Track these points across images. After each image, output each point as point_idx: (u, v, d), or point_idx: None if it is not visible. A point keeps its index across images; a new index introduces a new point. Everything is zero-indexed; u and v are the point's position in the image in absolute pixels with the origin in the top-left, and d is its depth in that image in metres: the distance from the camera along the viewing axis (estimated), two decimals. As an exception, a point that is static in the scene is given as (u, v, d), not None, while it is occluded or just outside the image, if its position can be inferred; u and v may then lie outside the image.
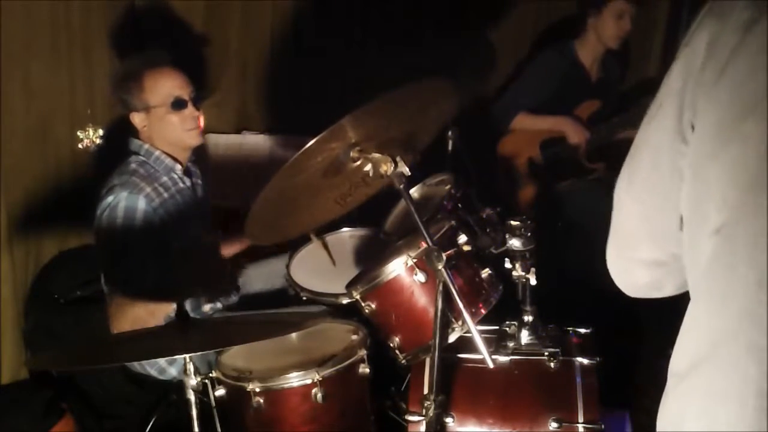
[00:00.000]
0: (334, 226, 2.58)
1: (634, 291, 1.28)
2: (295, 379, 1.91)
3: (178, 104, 2.36)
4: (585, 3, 3.50)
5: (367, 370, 2.01)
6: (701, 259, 1.04)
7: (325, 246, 2.55)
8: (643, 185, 1.15)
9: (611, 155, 3.46)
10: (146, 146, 2.40)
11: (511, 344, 1.98)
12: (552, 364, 1.92)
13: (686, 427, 1.08)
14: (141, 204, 2.26)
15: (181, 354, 1.68)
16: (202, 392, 1.81)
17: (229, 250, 2.60)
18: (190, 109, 2.38)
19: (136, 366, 2.41)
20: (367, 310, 1.96)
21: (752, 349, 0.99)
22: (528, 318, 1.99)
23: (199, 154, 2.64)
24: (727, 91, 1.00)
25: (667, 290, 1.20)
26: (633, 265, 1.23)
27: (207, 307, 2.50)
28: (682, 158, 1.06)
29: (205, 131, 2.49)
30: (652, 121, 1.11)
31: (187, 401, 1.77)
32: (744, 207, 0.98)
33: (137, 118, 2.38)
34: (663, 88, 1.09)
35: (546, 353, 1.94)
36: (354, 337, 2.07)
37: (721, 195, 1.00)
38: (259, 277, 2.79)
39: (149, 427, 2.31)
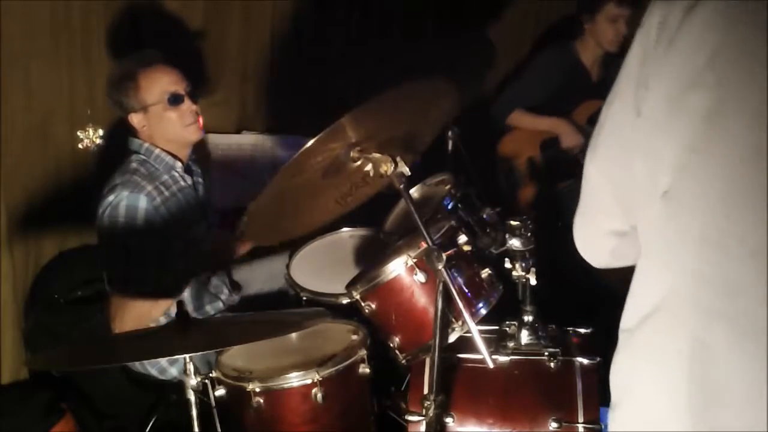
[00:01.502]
0: (335, 226, 2.58)
1: (597, 261, 1.34)
2: (295, 379, 1.91)
3: (174, 100, 2.36)
4: (579, 8, 3.50)
5: (367, 370, 2.01)
6: (652, 221, 1.11)
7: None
8: (605, 159, 1.22)
9: None
10: (146, 145, 2.40)
11: (511, 344, 1.98)
12: (552, 364, 1.92)
13: (635, 380, 1.13)
14: (142, 203, 2.27)
15: (181, 354, 1.68)
16: (202, 392, 1.81)
17: (241, 249, 2.61)
18: (187, 103, 2.39)
19: (137, 366, 2.41)
20: (367, 310, 1.96)
21: (695, 304, 1.05)
22: (528, 318, 1.99)
23: (200, 153, 2.64)
24: (674, 65, 1.09)
25: (628, 260, 1.23)
26: (596, 235, 1.30)
27: (209, 308, 2.51)
28: (638, 132, 1.13)
29: (205, 131, 2.49)
30: (615, 99, 1.19)
31: (187, 401, 1.77)
32: (688, 170, 1.06)
33: (135, 119, 2.38)
34: (622, 68, 1.17)
35: (546, 353, 1.94)
36: (354, 337, 2.07)
37: (668, 161, 1.08)
38: (259, 277, 2.79)
39: (149, 427, 2.31)
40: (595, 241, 1.31)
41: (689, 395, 1.06)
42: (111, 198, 2.26)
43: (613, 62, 3.61)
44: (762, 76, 1.02)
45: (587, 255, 1.34)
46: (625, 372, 1.17)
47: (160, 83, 2.35)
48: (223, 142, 3.39)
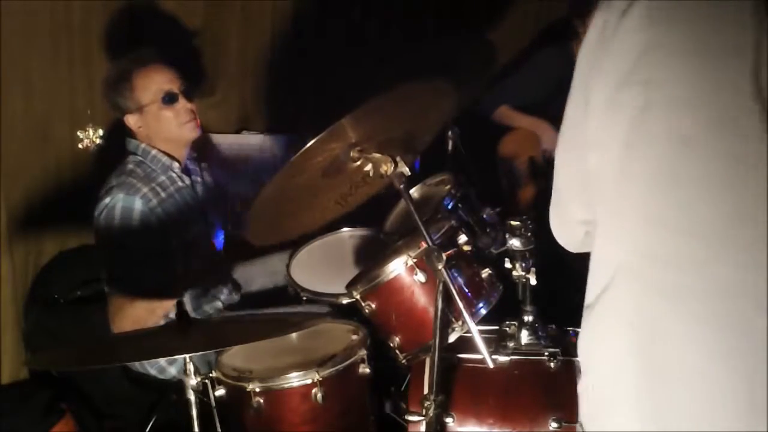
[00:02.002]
0: (335, 226, 2.58)
1: (573, 247, 1.47)
2: (295, 379, 1.91)
3: (169, 98, 2.36)
4: (570, 13, 3.50)
5: (367, 370, 2.01)
6: (605, 205, 1.24)
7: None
8: (567, 152, 1.35)
9: None
10: (143, 146, 2.40)
11: (511, 344, 1.97)
12: (552, 364, 1.92)
13: (595, 352, 1.25)
14: (138, 205, 2.27)
15: (181, 354, 1.68)
16: (202, 392, 1.81)
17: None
18: (182, 102, 2.39)
19: (137, 366, 2.41)
20: (367, 310, 1.96)
21: (642, 279, 1.16)
22: (528, 318, 1.99)
23: (200, 153, 2.64)
24: (610, 66, 1.21)
25: None
26: (569, 224, 1.42)
27: (207, 307, 2.51)
28: (588, 127, 1.25)
29: (205, 131, 2.49)
30: (570, 98, 1.32)
31: (187, 401, 1.77)
32: (628, 159, 1.18)
33: (132, 120, 2.38)
34: (575, 69, 1.31)
35: (546, 353, 1.94)
36: (354, 337, 2.07)
37: (614, 152, 1.20)
38: (259, 277, 2.79)
39: (149, 427, 2.31)
40: (569, 229, 1.43)
41: (638, 366, 1.15)
42: (107, 200, 2.26)
43: None
44: (684, 72, 1.13)
45: (562, 241, 1.47)
46: (586, 344, 1.29)
47: (154, 82, 2.35)
48: (223, 142, 3.39)
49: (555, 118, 3.42)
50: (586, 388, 1.28)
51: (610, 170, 1.21)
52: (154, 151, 2.40)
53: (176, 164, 2.45)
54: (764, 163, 1.08)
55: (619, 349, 1.19)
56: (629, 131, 1.17)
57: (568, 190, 1.38)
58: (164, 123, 2.38)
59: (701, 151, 1.12)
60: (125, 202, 2.25)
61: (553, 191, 1.41)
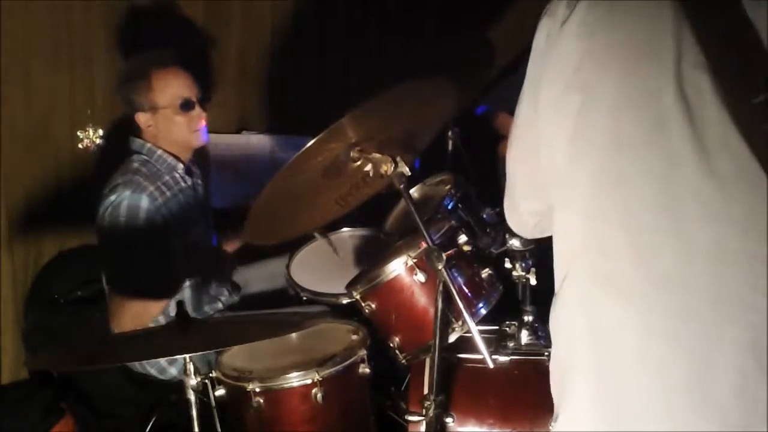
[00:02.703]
0: (334, 226, 2.58)
1: (526, 234, 1.62)
2: (295, 379, 1.91)
3: (186, 105, 2.37)
4: None
5: (367, 370, 2.01)
6: (557, 198, 1.34)
7: (330, 242, 2.54)
8: (518, 149, 1.46)
9: None
10: (148, 145, 2.40)
11: (511, 344, 1.98)
12: (552, 364, 1.92)
13: (556, 337, 1.33)
14: (144, 203, 2.26)
15: (181, 354, 1.68)
16: (202, 392, 1.81)
17: (230, 246, 2.61)
18: (197, 110, 2.40)
19: (136, 366, 2.41)
20: (367, 310, 1.96)
21: (587, 269, 1.25)
22: (528, 318, 1.99)
23: (200, 153, 2.64)
24: (554, 70, 1.32)
25: (550, 231, 1.42)
26: (521, 214, 1.53)
27: (208, 308, 2.51)
28: (538, 126, 1.36)
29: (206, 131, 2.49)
30: (522, 98, 1.44)
31: (187, 401, 1.77)
32: (570, 157, 1.29)
33: (142, 118, 2.38)
34: (528, 70, 1.42)
35: (546, 353, 1.94)
36: (354, 337, 2.07)
37: (560, 150, 1.30)
38: (259, 277, 2.79)
39: (149, 427, 2.31)
40: (521, 218, 1.54)
41: (586, 349, 1.24)
42: (112, 197, 2.26)
43: None
44: (616, 77, 1.25)
45: (516, 230, 1.61)
46: (551, 329, 1.36)
47: (173, 86, 2.36)
48: (223, 142, 3.39)
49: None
50: (551, 366, 1.38)
51: (559, 166, 1.31)
52: (159, 151, 2.41)
53: (180, 165, 2.45)
54: (691, 159, 1.18)
55: (572, 335, 1.29)
56: (573, 133, 1.28)
57: (520, 186, 1.49)
58: (176, 127, 2.38)
59: (636, 151, 1.22)
60: (131, 200, 2.25)
61: (506, 185, 1.52)
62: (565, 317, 1.31)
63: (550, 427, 1.37)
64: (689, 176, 1.19)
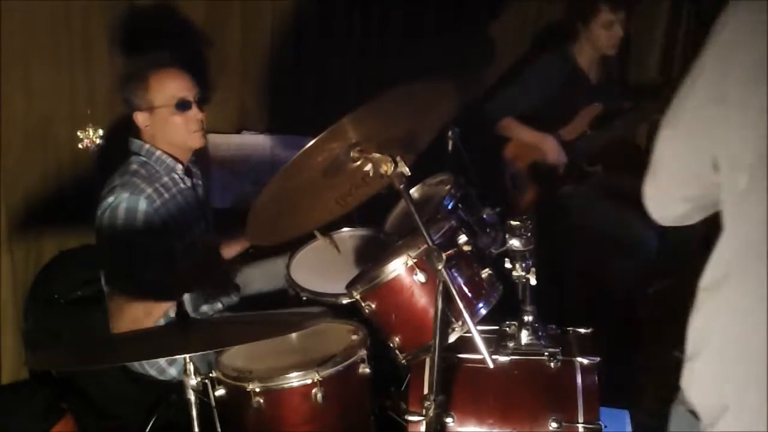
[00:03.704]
0: (334, 226, 2.58)
1: (667, 222, 1.44)
2: (295, 379, 1.91)
3: (182, 105, 2.36)
4: (572, 15, 3.49)
5: (367, 370, 2.01)
6: (736, 190, 1.19)
7: (332, 240, 2.54)
8: (685, 130, 1.28)
9: (609, 157, 3.45)
10: (147, 146, 2.40)
11: (511, 344, 1.97)
12: (552, 364, 1.92)
13: (712, 341, 1.22)
14: (142, 205, 2.27)
15: (181, 354, 1.68)
16: (202, 392, 1.81)
17: (229, 252, 2.60)
18: (194, 110, 2.39)
19: (136, 366, 2.41)
20: (367, 310, 1.96)
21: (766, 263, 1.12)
22: (528, 318, 1.99)
23: (199, 154, 2.64)
24: (748, 59, 1.14)
25: (694, 220, 1.36)
26: (669, 200, 1.38)
27: (206, 307, 2.50)
28: (721, 120, 1.19)
29: (205, 131, 2.49)
30: (697, 80, 1.24)
31: (187, 401, 1.77)
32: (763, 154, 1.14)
33: (140, 118, 2.38)
34: (710, 47, 1.22)
35: (546, 353, 1.94)
36: (354, 337, 2.07)
37: (752, 142, 1.15)
38: (259, 277, 2.79)
39: (149, 427, 2.31)
40: (667, 205, 1.40)
41: (763, 343, 1.13)
42: (110, 199, 2.26)
43: (610, 64, 3.61)
44: None
45: (657, 217, 1.43)
46: (703, 326, 1.25)
47: (170, 87, 2.36)
48: (223, 142, 3.39)
49: (556, 123, 3.46)
50: (697, 368, 1.25)
51: (743, 157, 1.17)
52: (158, 152, 2.41)
53: (179, 166, 2.45)
54: None
55: (742, 329, 1.18)
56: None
57: (677, 169, 1.33)
58: (173, 128, 2.38)
59: None
60: (129, 203, 2.25)
61: (654, 164, 1.36)
62: (731, 315, 1.20)
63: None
64: None
